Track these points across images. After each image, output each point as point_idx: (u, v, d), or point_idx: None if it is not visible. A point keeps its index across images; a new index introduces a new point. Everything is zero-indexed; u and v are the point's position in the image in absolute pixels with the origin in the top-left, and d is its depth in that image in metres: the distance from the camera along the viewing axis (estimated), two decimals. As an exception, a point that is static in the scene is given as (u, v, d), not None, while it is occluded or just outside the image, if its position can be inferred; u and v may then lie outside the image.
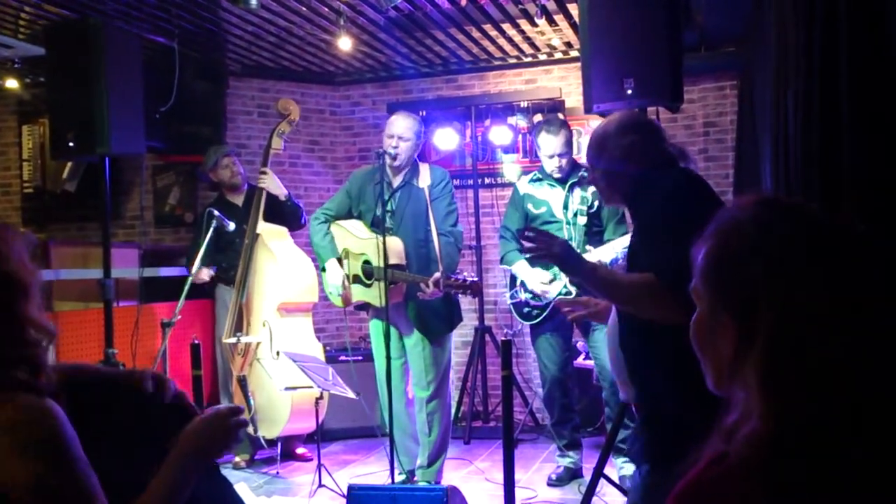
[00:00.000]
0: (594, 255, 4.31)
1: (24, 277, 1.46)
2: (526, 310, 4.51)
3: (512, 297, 4.58)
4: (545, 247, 2.27)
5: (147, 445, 1.59)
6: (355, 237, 4.24)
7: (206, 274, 4.97)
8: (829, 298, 0.97)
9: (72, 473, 1.38)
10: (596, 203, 4.40)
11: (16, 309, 1.43)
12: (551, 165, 4.43)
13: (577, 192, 4.42)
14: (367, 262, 4.18)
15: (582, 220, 4.40)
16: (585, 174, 4.41)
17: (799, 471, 0.94)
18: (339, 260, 4.25)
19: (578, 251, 4.30)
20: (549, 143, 4.40)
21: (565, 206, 4.42)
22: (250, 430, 4.81)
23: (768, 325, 0.98)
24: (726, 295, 1.04)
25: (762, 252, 1.01)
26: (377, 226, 4.10)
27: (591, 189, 4.38)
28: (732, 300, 1.03)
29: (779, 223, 1.02)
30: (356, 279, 4.23)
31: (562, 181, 4.44)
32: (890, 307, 0.98)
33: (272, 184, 5.02)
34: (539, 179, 4.53)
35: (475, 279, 3.88)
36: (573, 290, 4.34)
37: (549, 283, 4.38)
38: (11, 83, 6.23)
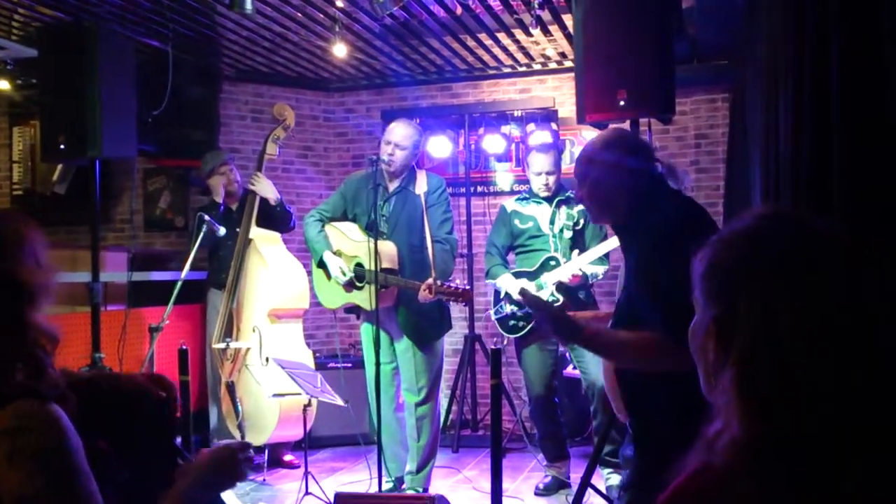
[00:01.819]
0: (572, 264, 4.36)
1: (31, 279, 1.41)
2: (511, 323, 4.53)
3: (497, 311, 4.60)
4: (546, 312, 2.18)
5: (148, 452, 1.58)
6: (349, 239, 4.24)
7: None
8: (810, 312, 0.98)
9: (72, 488, 1.31)
10: (581, 221, 4.53)
11: (17, 311, 1.38)
12: (538, 183, 4.54)
13: (564, 209, 4.54)
14: (359, 265, 4.18)
15: (567, 234, 4.51)
16: (572, 194, 4.51)
17: (783, 477, 0.94)
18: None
19: (563, 259, 4.39)
20: (537, 162, 4.54)
21: (552, 222, 4.52)
22: (238, 436, 4.80)
23: (745, 334, 1.00)
24: (711, 302, 1.06)
25: (747, 263, 1.03)
26: (371, 229, 4.11)
27: (578, 207, 4.49)
28: (715, 307, 1.05)
29: (772, 237, 1.04)
30: (349, 282, 4.22)
31: (549, 199, 4.53)
32: (875, 322, 0.99)
33: (263, 187, 5.02)
34: (526, 199, 4.64)
35: (467, 287, 3.90)
36: (560, 297, 4.37)
37: (535, 293, 4.42)
38: (3, 84, 6.19)
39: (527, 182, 4.78)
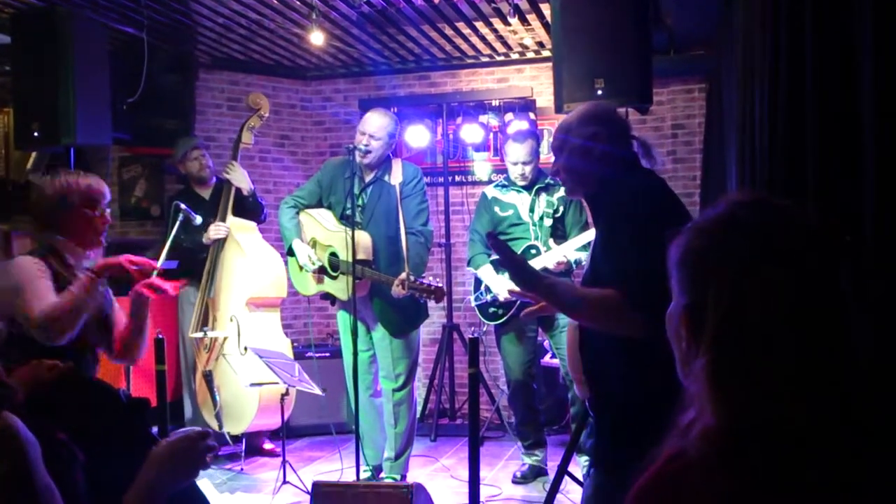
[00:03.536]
0: (557, 252, 4.37)
1: None
2: (491, 310, 4.54)
3: (477, 298, 4.61)
4: (507, 257, 2.20)
5: (116, 439, 1.56)
6: (324, 228, 4.22)
7: (222, 230, 4.95)
8: (780, 301, 0.97)
9: (32, 500, 1.28)
10: (561, 208, 4.54)
11: None
12: (515, 172, 4.55)
13: (543, 196, 4.54)
14: (333, 255, 4.17)
15: (548, 221, 4.51)
16: (551, 180, 4.51)
17: (755, 465, 0.94)
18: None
19: (544, 248, 4.41)
20: (514, 152, 4.53)
21: (531, 210, 4.53)
22: (215, 425, 4.78)
23: (715, 322, 0.99)
24: (684, 289, 1.06)
25: (719, 250, 1.02)
26: (346, 219, 4.09)
27: (557, 195, 4.50)
28: (688, 295, 1.05)
29: (745, 224, 1.02)
30: (322, 270, 4.21)
31: (528, 187, 4.54)
32: (847, 312, 1.00)
33: (237, 176, 4.99)
34: (505, 186, 4.64)
35: (440, 285, 3.87)
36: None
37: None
38: (-25, 71, 6.11)
39: (505, 171, 4.79)
